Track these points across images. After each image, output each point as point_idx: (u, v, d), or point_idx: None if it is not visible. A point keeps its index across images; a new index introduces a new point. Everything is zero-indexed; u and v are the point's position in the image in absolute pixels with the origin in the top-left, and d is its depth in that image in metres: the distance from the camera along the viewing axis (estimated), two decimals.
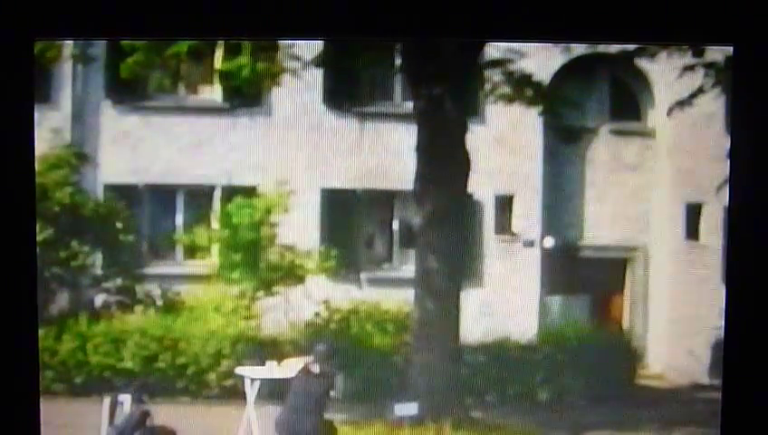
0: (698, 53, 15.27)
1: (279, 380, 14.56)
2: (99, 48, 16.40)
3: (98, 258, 16.65)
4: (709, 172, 16.60)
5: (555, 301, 17.62)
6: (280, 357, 15.09)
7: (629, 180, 18.07)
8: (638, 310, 18.02)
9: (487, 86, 16.51)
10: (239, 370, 14.65)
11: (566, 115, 17.66)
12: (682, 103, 16.17)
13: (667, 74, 16.64)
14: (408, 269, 16.48)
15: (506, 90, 16.35)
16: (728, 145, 3.47)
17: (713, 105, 16.25)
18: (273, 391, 14.60)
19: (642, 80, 17.86)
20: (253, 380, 14.29)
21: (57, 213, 15.87)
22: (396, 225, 17.86)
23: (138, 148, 17.24)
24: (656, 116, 17.97)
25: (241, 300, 16.18)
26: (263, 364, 14.77)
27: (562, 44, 15.40)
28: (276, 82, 16.63)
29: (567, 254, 17.86)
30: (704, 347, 16.45)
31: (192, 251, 17.27)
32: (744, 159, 3.43)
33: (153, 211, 17.51)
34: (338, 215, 17.45)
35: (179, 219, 17.48)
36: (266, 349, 15.44)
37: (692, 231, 17.93)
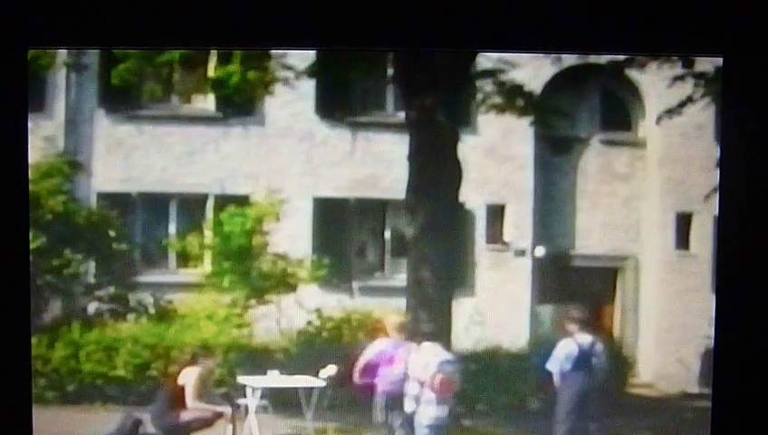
0: (688, 63, 15.33)
1: (279, 389, 14.57)
2: (92, 57, 16.42)
3: (91, 266, 16.65)
4: (699, 182, 16.65)
5: (546, 310, 17.66)
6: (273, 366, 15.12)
7: (620, 190, 18.12)
8: (628, 319, 18.06)
9: (479, 96, 16.55)
10: (241, 379, 14.64)
11: (557, 125, 17.71)
12: (671, 112, 16.22)
13: (657, 85, 16.70)
14: (400, 278, 16.51)
15: (498, 100, 16.39)
16: (718, 155, 3.51)
17: (702, 115, 16.30)
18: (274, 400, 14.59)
19: (633, 90, 17.91)
20: (254, 389, 14.30)
21: (50, 221, 15.86)
22: (388, 234, 17.88)
23: (131, 156, 17.25)
24: (646, 126, 18.03)
25: (233, 308, 16.19)
26: (264, 373, 14.76)
27: (553, 55, 15.45)
28: (269, 92, 16.67)
29: (558, 263, 17.89)
30: (693, 356, 16.49)
31: (184, 259, 17.28)
32: (733, 168, 3.46)
33: (146, 220, 17.53)
34: (330, 224, 17.48)
35: (172, 228, 17.50)
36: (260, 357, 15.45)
37: (682, 240, 17.98)
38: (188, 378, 13.59)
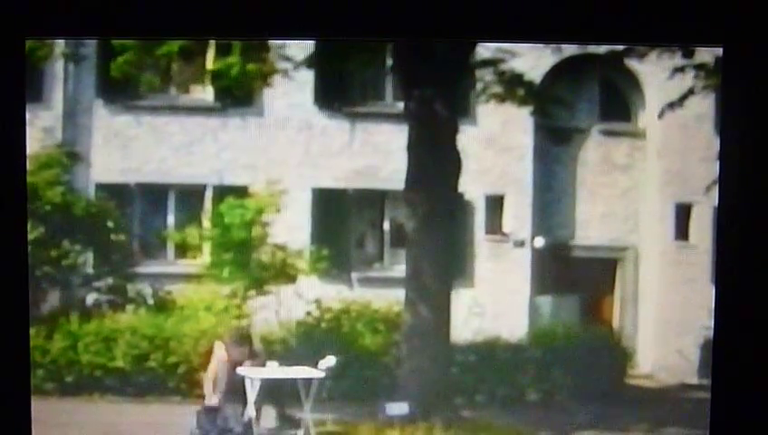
0: (688, 54, 15.31)
1: (278, 380, 14.56)
2: (90, 47, 16.40)
3: (89, 257, 16.65)
4: (699, 173, 16.64)
5: (545, 301, 17.66)
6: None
7: (619, 181, 18.11)
8: (627, 310, 18.06)
9: (478, 86, 16.54)
10: (240, 370, 14.63)
11: (557, 115, 17.69)
12: (673, 105, 16.20)
13: (657, 75, 16.68)
14: (399, 269, 16.51)
15: (497, 90, 16.38)
16: (718, 146, 3.49)
17: (702, 106, 16.29)
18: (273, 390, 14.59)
19: (632, 81, 17.90)
20: (253, 380, 14.29)
21: (48, 212, 15.86)
22: (387, 224, 17.88)
23: (129, 147, 17.24)
24: (646, 117, 18.02)
25: (232, 299, 16.19)
26: (263, 365, 14.76)
27: (553, 45, 15.43)
28: (267, 83, 16.65)
29: (557, 254, 17.89)
30: (693, 347, 16.50)
31: (183, 250, 17.28)
32: (733, 159, 3.44)
33: (144, 210, 17.52)
34: (329, 214, 17.47)
35: (171, 219, 17.49)
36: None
37: (681, 231, 17.98)
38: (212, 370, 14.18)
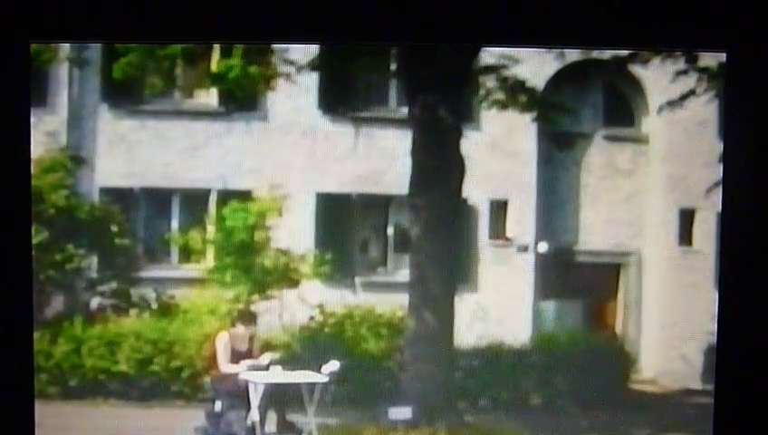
0: (691, 59, 15.32)
1: (282, 384, 14.55)
2: (95, 51, 16.42)
3: (93, 261, 16.67)
4: (702, 178, 16.63)
5: (549, 306, 17.66)
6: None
7: (623, 186, 18.11)
8: (631, 315, 18.05)
9: (482, 92, 16.54)
10: (243, 374, 14.63)
11: (560, 121, 17.69)
12: (672, 103, 16.21)
13: (660, 80, 16.69)
14: (403, 274, 16.51)
15: (500, 96, 16.38)
16: (721, 151, 3.50)
17: (705, 111, 16.30)
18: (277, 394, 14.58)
19: (636, 86, 17.90)
20: (256, 384, 14.29)
21: (53, 216, 15.88)
22: (390, 229, 17.88)
23: (133, 151, 17.25)
24: (649, 122, 18.02)
25: (235, 303, 16.20)
26: (267, 369, 14.75)
27: (556, 50, 15.44)
28: (271, 87, 16.65)
29: (561, 259, 17.89)
30: (696, 352, 16.49)
31: (187, 254, 17.29)
32: (736, 164, 3.46)
33: (148, 215, 17.53)
34: (332, 219, 17.48)
35: (175, 223, 17.50)
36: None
37: (685, 236, 17.98)
38: (219, 342, 14.15)
